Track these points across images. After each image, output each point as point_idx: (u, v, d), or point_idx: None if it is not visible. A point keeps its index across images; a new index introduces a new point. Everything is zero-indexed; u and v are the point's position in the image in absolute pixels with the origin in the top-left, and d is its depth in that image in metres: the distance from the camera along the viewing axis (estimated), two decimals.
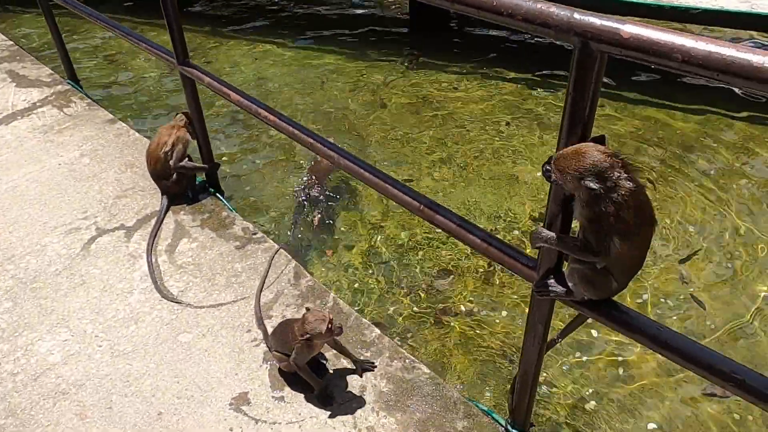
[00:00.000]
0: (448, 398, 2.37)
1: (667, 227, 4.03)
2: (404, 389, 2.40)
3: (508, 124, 5.34)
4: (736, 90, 5.59)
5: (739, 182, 4.53)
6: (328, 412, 2.31)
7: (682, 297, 3.56)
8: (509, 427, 2.25)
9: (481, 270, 3.75)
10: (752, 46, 1.17)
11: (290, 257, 3.09)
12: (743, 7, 5.53)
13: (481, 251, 2.00)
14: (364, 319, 2.74)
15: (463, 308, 3.49)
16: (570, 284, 1.75)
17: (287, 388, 2.41)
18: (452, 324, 3.39)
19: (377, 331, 2.68)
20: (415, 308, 3.51)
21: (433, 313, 3.47)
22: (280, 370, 2.46)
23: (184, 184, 3.47)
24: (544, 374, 3.07)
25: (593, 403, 2.95)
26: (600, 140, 1.54)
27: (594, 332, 3.30)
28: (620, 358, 3.17)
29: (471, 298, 3.56)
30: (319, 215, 4.19)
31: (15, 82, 4.90)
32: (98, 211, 3.42)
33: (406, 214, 4.12)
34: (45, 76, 4.98)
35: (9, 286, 2.94)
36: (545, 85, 5.94)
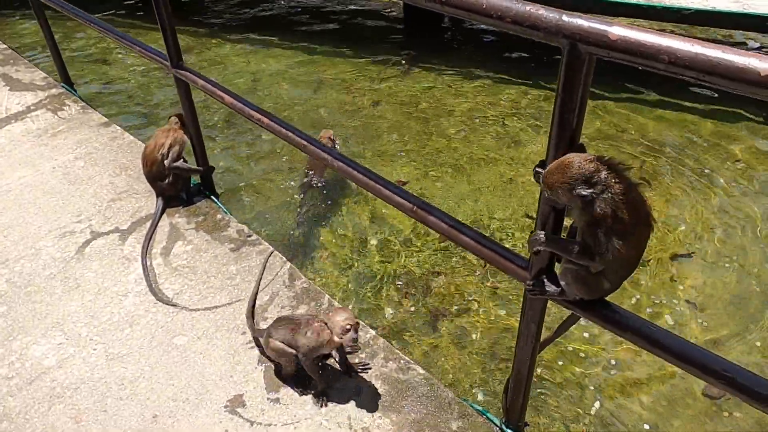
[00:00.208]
0: (442, 398, 2.38)
1: (659, 228, 4.05)
2: (399, 390, 2.41)
3: (503, 124, 5.36)
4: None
5: (731, 180, 4.56)
6: (324, 414, 2.32)
7: (674, 298, 3.58)
8: (503, 427, 2.26)
9: (475, 271, 3.77)
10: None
11: (285, 259, 3.10)
12: (735, 8, 5.57)
13: (474, 252, 2.01)
14: (360, 321, 2.74)
15: (457, 309, 3.50)
16: (563, 284, 1.76)
17: (282, 390, 2.42)
18: (447, 325, 3.40)
19: (372, 332, 2.69)
20: (410, 309, 3.51)
21: (428, 314, 3.47)
22: (275, 371, 2.46)
23: (179, 186, 3.47)
24: (538, 373, 3.08)
25: (587, 402, 2.97)
26: (580, 149, 1.57)
27: (587, 332, 3.31)
28: (614, 358, 3.18)
29: (466, 299, 3.57)
30: (315, 208, 4.26)
31: (9, 85, 4.89)
32: (93, 215, 3.42)
33: (401, 215, 4.13)
34: (39, 80, 4.98)
35: (3, 290, 2.94)
36: (540, 86, 5.97)
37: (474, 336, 3.33)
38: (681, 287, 3.63)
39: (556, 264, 1.83)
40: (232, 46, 7.12)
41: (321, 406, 2.34)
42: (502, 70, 6.29)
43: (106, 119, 4.37)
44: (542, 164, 1.65)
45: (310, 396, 2.39)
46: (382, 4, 8.29)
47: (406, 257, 3.90)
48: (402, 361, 2.53)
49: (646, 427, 2.86)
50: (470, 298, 3.57)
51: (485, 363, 3.17)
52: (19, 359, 2.59)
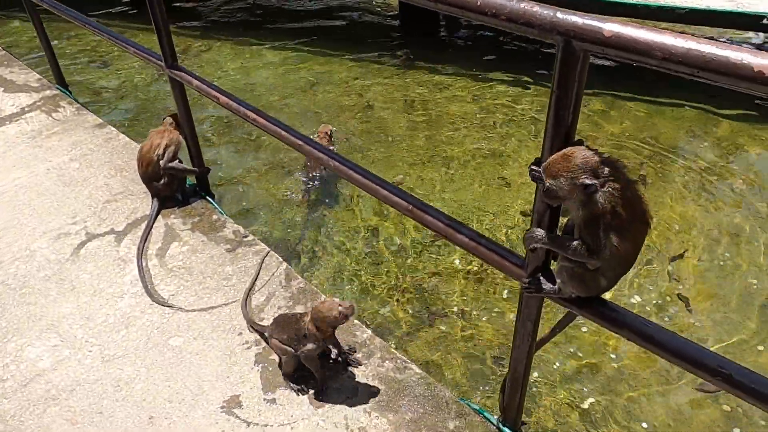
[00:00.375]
0: (439, 398, 2.37)
1: (656, 226, 4.06)
2: (396, 389, 2.41)
3: (499, 123, 5.36)
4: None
5: (725, 179, 4.58)
6: (320, 414, 2.31)
7: (669, 297, 3.58)
8: (500, 426, 2.26)
9: (472, 270, 3.76)
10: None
11: (281, 259, 3.09)
12: (729, 6, 5.59)
13: (470, 250, 2.01)
14: (355, 321, 2.74)
15: (454, 308, 3.50)
16: (559, 282, 1.76)
17: (279, 391, 2.41)
18: (443, 324, 3.40)
19: (369, 332, 2.68)
20: (406, 309, 3.51)
21: (425, 314, 3.47)
22: (279, 365, 2.46)
23: (174, 187, 3.46)
24: (535, 372, 3.08)
25: (584, 400, 2.97)
26: (578, 143, 1.56)
27: (584, 330, 3.32)
28: (610, 357, 3.19)
29: (462, 298, 3.57)
30: (312, 207, 4.31)
31: (3, 87, 4.87)
32: (88, 216, 3.40)
33: (397, 215, 4.13)
34: (33, 81, 4.96)
35: None
36: (535, 85, 5.97)
37: (470, 335, 3.32)
38: (678, 286, 3.64)
39: (552, 262, 1.83)
40: (226, 47, 7.10)
41: (321, 400, 2.34)
42: (498, 69, 6.30)
43: (100, 120, 4.36)
44: (538, 162, 1.64)
45: (307, 396, 2.38)
46: (378, 4, 8.30)
47: (403, 257, 3.90)
48: (398, 361, 2.53)
49: (644, 425, 2.86)
50: (466, 298, 3.57)
51: (482, 362, 3.17)
52: (13, 361, 2.57)
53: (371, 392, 2.39)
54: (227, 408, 2.35)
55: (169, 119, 3.50)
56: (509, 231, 4.09)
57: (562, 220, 1.76)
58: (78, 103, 4.65)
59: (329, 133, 4.81)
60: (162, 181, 3.39)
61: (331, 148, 4.83)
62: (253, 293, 2.88)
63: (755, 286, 3.62)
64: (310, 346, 2.30)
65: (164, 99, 5.87)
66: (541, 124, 5.25)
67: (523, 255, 1.87)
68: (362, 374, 2.46)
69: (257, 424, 2.28)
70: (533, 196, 1.74)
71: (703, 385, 3.00)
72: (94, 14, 7.86)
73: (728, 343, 3.27)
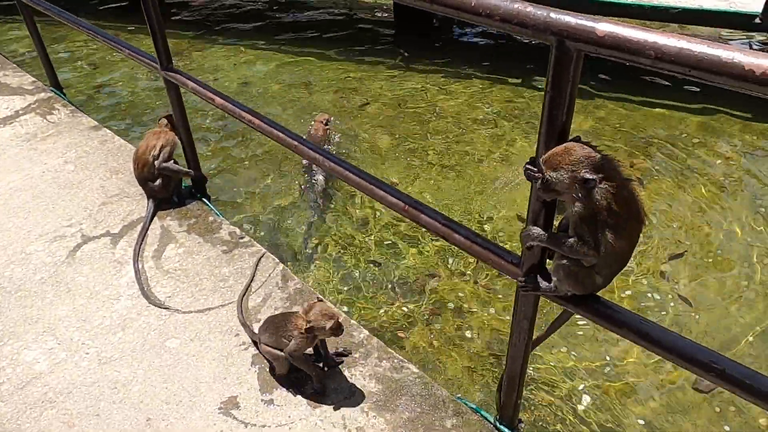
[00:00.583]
0: (437, 397, 2.38)
1: (653, 225, 4.08)
2: (393, 389, 2.41)
3: (494, 124, 5.38)
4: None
5: (722, 178, 4.61)
6: (318, 414, 2.32)
7: (668, 295, 3.60)
8: (497, 424, 2.27)
9: (468, 269, 3.78)
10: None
11: (278, 260, 3.09)
12: (722, 6, 5.63)
13: (466, 249, 2.01)
14: (352, 321, 2.75)
15: (450, 307, 3.51)
16: (555, 280, 1.77)
17: (277, 391, 2.41)
18: (440, 323, 3.41)
19: (365, 332, 2.69)
20: (403, 308, 3.52)
21: (421, 313, 3.48)
22: (270, 370, 2.46)
23: (170, 188, 3.45)
24: (532, 371, 3.09)
25: (580, 398, 2.98)
26: (576, 141, 1.57)
27: (580, 329, 3.33)
28: (607, 355, 3.20)
29: (458, 297, 3.58)
30: (321, 189, 4.43)
31: None
32: (83, 219, 3.40)
33: (394, 215, 4.14)
34: (27, 84, 4.94)
35: None
36: (530, 85, 6.00)
37: (467, 334, 3.34)
38: (675, 285, 3.66)
39: (548, 261, 1.84)
40: (221, 49, 7.10)
41: (321, 401, 2.34)
42: (493, 69, 6.32)
43: (95, 123, 4.35)
44: (533, 161, 1.65)
45: (305, 397, 2.38)
46: (372, 4, 8.31)
47: (399, 257, 3.91)
48: (396, 360, 2.53)
49: (640, 422, 2.88)
50: (463, 297, 3.58)
51: (479, 361, 3.18)
52: (10, 364, 2.57)
53: (369, 392, 2.39)
54: (225, 409, 2.35)
55: (164, 120, 3.50)
56: (505, 230, 4.11)
57: (557, 221, 1.77)
58: (72, 105, 4.64)
59: (324, 121, 4.91)
60: (158, 182, 3.39)
61: (330, 135, 4.97)
62: (250, 295, 2.88)
63: (750, 283, 3.65)
64: (297, 344, 2.29)
65: (159, 101, 5.86)
66: (535, 124, 5.27)
67: (519, 254, 1.88)
68: (359, 374, 2.47)
69: (255, 425, 2.29)
70: (528, 195, 1.75)
71: (699, 383, 3.02)
72: (89, 13, 7.85)
73: (724, 341, 3.29)
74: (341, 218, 4.26)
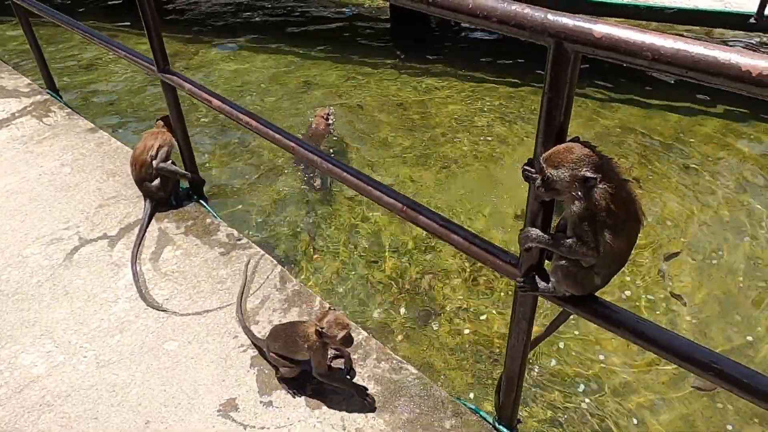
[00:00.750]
0: (435, 398, 2.38)
1: (649, 224, 4.10)
2: (392, 390, 2.41)
3: (491, 125, 5.39)
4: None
5: (716, 176, 4.62)
6: (317, 415, 2.32)
7: (663, 294, 3.61)
8: (496, 424, 2.27)
9: (466, 270, 3.78)
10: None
11: (275, 262, 3.09)
12: (717, 6, 5.65)
13: (464, 250, 2.02)
14: (350, 322, 2.74)
15: (449, 308, 3.51)
16: (553, 280, 1.77)
17: (275, 393, 2.41)
18: (438, 324, 3.41)
19: (364, 333, 2.69)
20: (401, 309, 3.52)
21: (420, 314, 3.48)
22: (277, 373, 2.45)
23: (168, 189, 3.45)
24: (530, 371, 3.10)
25: (579, 398, 2.99)
26: (575, 141, 1.58)
27: (578, 329, 3.34)
28: (605, 355, 3.21)
29: (457, 298, 3.58)
30: (319, 180, 4.53)
31: None
32: (80, 221, 3.39)
33: (392, 215, 4.14)
34: (23, 87, 4.93)
35: None
36: (527, 87, 6.01)
37: (465, 335, 3.34)
38: (670, 283, 3.67)
39: (546, 262, 1.84)
40: (218, 51, 7.10)
41: (364, 399, 2.32)
42: (490, 71, 6.33)
43: (92, 125, 4.34)
44: (530, 162, 1.66)
45: (304, 398, 2.38)
46: (368, 6, 8.31)
47: (397, 258, 3.91)
48: (394, 362, 2.54)
49: (638, 421, 2.89)
50: (461, 298, 3.59)
51: (477, 361, 3.18)
52: (7, 368, 2.56)
53: (368, 393, 2.39)
54: (224, 411, 2.35)
55: (161, 122, 3.50)
56: (503, 231, 4.11)
57: (554, 222, 1.77)
58: (69, 107, 4.63)
59: (325, 116, 5.05)
60: (155, 183, 3.38)
61: (331, 129, 5.10)
62: (248, 297, 2.88)
63: (747, 282, 3.66)
64: (317, 360, 2.26)
65: (156, 102, 5.85)
66: (533, 126, 5.28)
67: (517, 254, 1.88)
68: (359, 375, 2.47)
69: (254, 427, 2.28)
70: (526, 196, 1.75)
71: (696, 382, 3.02)
72: (84, 14, 7.84)
73: (720, 339, 3.30)
74: (339, 219, 4.26)
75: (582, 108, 5.52)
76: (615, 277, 1.73)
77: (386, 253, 3.95)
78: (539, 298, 1.92)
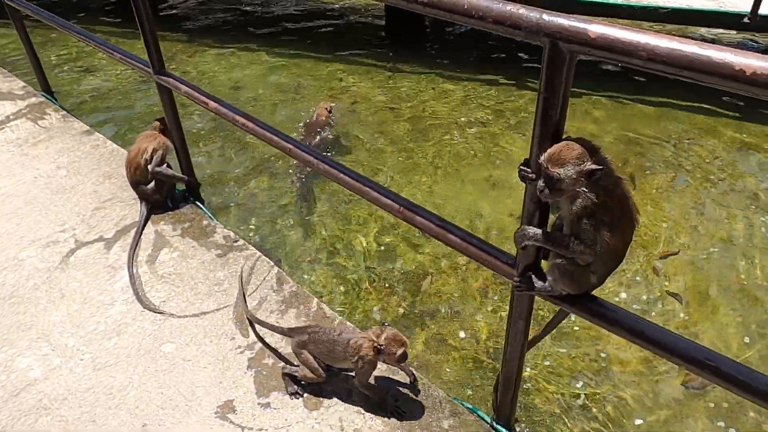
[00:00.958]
0: (433, 398, 2.39)
1: (645, 224, 4.11)
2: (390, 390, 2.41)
3: (486, 125, 5.40)
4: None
5: (711, 175, 4.64)
6: (315, 416, 2.32)
7: (659, 293, 3.63)
8: (494, 424, 2.28)
9: (463, 270, 3.78)
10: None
11: (272, 263, 3.09)
12: (711, 5, 5.68)
13: (460, 250, 2.02)
14: (348, 323, 2.75)
15: (446, 308, 3.52)
16: (550, 279, 1.78)
17: (273, 394, 2.41)
18: (435, 324, 3.41)
19: None
20: (399, 310, 3.52)
21: (417, 315, 3.48)
22: (287, 373, 2.41)
23: (163, 191, 3.44)
24: (528, 370, 3.10)
25: (576, 397, 2.99)
26: (567, 139, 1.59)
27: (575, 328, 3.35)
28: (602, 354, 3.22)
29: (454, 298, 3.59)
30: (303, 209, 4.49)
31: None
32: (76, 224, 3.38)
33: (388, 216, 4.14)
34: (18, 89, 4.91)
35: None
36: (522, 86, 6.02)
37: (463, 335, 3.34)
38: (666, 282, 3.68)
39: (543, 261, 1.85)
40: (213, 53, 7.09)
41: (391, 418, 2.30)
42: (485, 71, 6.34)
43: (87, 127, 4.33)
44: (527, 162, 1.66)
45: (301, 399, 2.38)
46: (364, 6, 8.32)
47: (394, 258, 3.91)
48: None
49: (637, 420, 2.90)
50: (458, 298, 3.59)
51: (475, 361, 3.18)
52: (3, 371, 2.55)
53: (365, 394, 2.39)
54: (221, 413, 2.34)
55: (157, 123, 3.49)
56: (499, 231, 4.12)
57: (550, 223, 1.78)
58: (64, 109, 4.62)
59: (329, 108, 5.19)
60: (150, 185, 3.38)
61: (331, 121, 5.21)
62: (246, 299, 2.87)
63: (744, 281, 3.68)
64: (365, 373, 2.26)
65: (151, 104, 5.84)
66: (528, 125, 5.29)
67: (514, 254, 1.89)
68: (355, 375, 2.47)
69: (252, 429, 2.28)
70: (522, 196, 1.76)
71: (690, 381, 3.04)
72: (80, 16, 7.82)
73: (717, 338, 3.31)
74: (336, 220, 4.26)
75: (577, 107, 5.53)
76: (611, 276, 1.74)
77: (385, 254, 3.95)
78: (536, 298, 1.93)
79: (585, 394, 3.01)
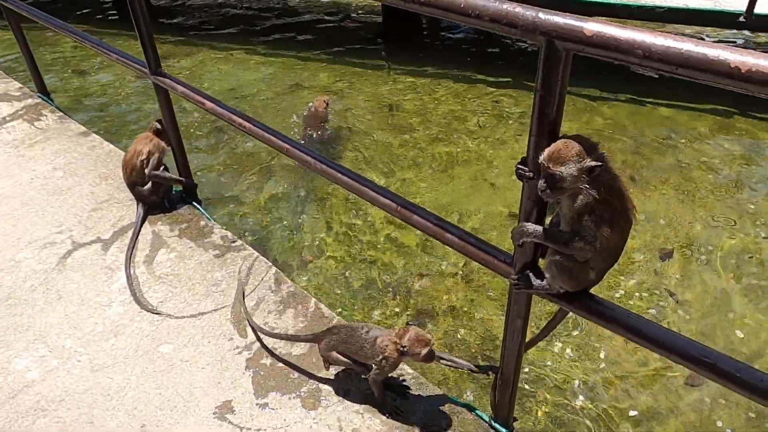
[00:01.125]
0: (432, 397, 2.38)
1: (642, 223, 4.12)
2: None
3: (483, 125, 5.40)
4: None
5: (709, 173, 4.65)
6: (313, 416, 2.32)
7: (657, 291, 3.63)
8: (492, 423, 2.28)
9: (461, 270, 3.79)
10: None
11: (270, 264, 3.09)
12: (708, 5, 5.69)
13: (458, 249, 2.02)
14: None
15: (444, 308, 3.52)
16: (548, 276, 1.78)
17: (271, 395, 2.41)
18: (433, 324, 3.41)
19: None
20: (396, 310, 3.52)
21: (414, 314, 3.48)
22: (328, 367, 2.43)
23: (160, 193, 3.44)
24: (526, 370, 3.10)
25: (575, 396, 3.00)
26: (564, 137, 1.59)
27: (573, 327, 3.35)
28: (600, 353, 3.22)
29: (452, 298, 3.59)
30: (300, 209, 4.51)
31: None
32: (73, 225, 3.37)
33: (386, 216, 4.14)
34: (14, 90, 4.90)
35: None
36: (518, 85, 6.03)
37: (460, 334, 3.34)
38: (665, 281, 3.69)
39: (540, 260, 1.85)
40: (209, 53, 7.08)
41: (389, 417, 2.30)
42: (482, 70, 6.34)
43: (84, 129, 4.32)
44: (524, 161, 1.66)
45: (299, 399, 2.38)
46: (360, 6, 8.32)
47: (392, 258, 3.91)
48: None
49: (634, 418, 2.90)
50: (456, 297, 3.59)
51: (474, 360, 3.18)
52: (1, 373, 2.54)
53: (364, 393, 2.39)
54: (219, 414, 2.34)
55: (156, 124, 3.49)
56: (497, 231, 4.12)
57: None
58: (60, 111, 4.61)
59: (327, 101, 5.29)
60: (147, 187, 3.37)
61: (329, 117, 5.30)
62: (244, 299, 2.87)
63: (741, 279, 3.68)
64: (381, 370, 2.24)
65: (148, 105, 5.83)
66: (524, 124, 5.30)
67: (512, 253, 1.89)
68: (354, 375, 2.47)
69: (250, 429, 2.28)
70: (518, 194, 1.76)
71: (689, 379, 3.04)
72: (77, 17, 7.80)
73: (713, 336, 3.32)
74: (334, 220, 4.26)
75: (573, 106, 5.54)
76: (609, 275, 1.74)
77: (381, 254, 3.95)
78: (534, 297, 1.93)
79: (583, 393, 3.01)
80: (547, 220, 1.78)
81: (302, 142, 5.04)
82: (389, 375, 2.34)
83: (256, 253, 3.15)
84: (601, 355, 3.20)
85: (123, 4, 3.08)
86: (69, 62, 6.91)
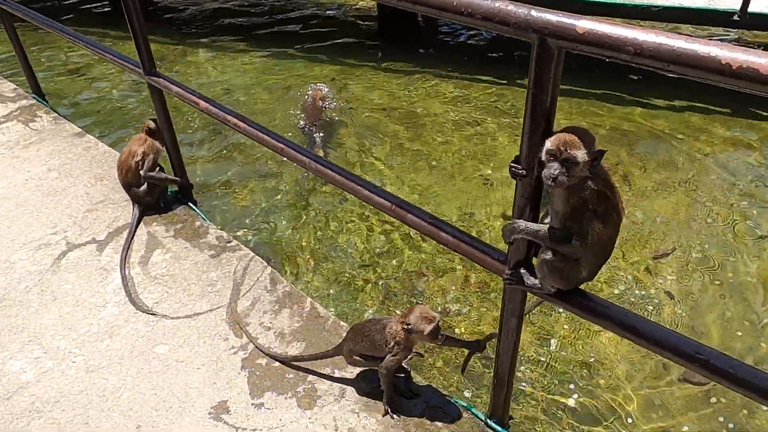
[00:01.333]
0: (428, 395, 2.38)
1: (637, 222, 4.13)
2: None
3: (478, 124, 5.41)
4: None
5: (704, 172, 4.66)
6: (309, 416, 2.31)
7: (653, 290, 3.64)
8: (488, 421, 2.28)
9: (456, 270, 3.79)
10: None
11: (266, 264, 3.08)
12: (702, 3, 5.71)
13: (452, 248, 2.02)
14: (342, 323, 2.75)
15: (440, 308, 3.52)
16: (539, 275, 1.78)
17: (267, 395, 2.41)
18: None
19: None
20: (393, 309, 3.52)
21: None
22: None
23: (155, 194, 3.43)
24: (522, 368, 3.11)
25: (570, 394, 3.00)
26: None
27: (569, 326, 3.36)
28: (596, 351, 3.23)
29: (447, 297, 3.59)
30: (321, 149, 4.81)
31: None
32: (68, 226, 3.36)
33: (381, 216, 4.14)
34: (8, 91, 4.89)
35: None
36: (514, 84, 6.03)
37: (457, 333, 3.34)
38: (660, 281, 3.69)
39: (533, 259, 1.85)
40: (204, 53, 7.07)
41: (391, 418, 2.29)
42: (479, 69, 6.35)
43: (79, 129, 4.31)
44: (517, 160, 1.67)
45: (295, 399, 2.38)
46: (356, 6, 8.32)
47: (388, 258, 3.91)
48: None
49: (631, 418, 2.91)
50: (452, 297, 3.59)
51: (473, 360, 3.18)
52: None
53: (360, 392, 2.39)
54: (215, 414, 2.34)
55: (149, 123, 3.48)
56: (492, 229, 4.12)
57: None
58: (55, 112, 4.59)
59: (323, 91, 5.45)
60: (142, 188, 3.37)
61: (325, 106, 5.40)
62: (238, 299, 2.87)
63: (737, 278, 3.69)
64: (393, 358, 2.20)
65: (143, 106, 5.82)
66: (519, 124, 5.30)
67: (506, 252, 1.89)
68: (350, 374, 2.47)
69: (246, 429, 2.28)
70: (512, 193, 1.76)
71: (685, 374, 3.05)
72: (69, 17, 7.78)
73: (710, 334, 3.33)
74: (330, 219, 4.26)
75: (567, 104, 5.55)
76: (604, 273, 1.74)
77: (378, 253, 3.95)
78: (527, 295, 1.93)
79: (579, 391, 3.01)
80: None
81: (305, 130, 5.15)
82: (394, 376, 2.32)
83: (252, 253, 3.15)
84: (596, 353, 3.20)
85: (118, 5, 3.06)
86: (64, 63, 6.89)
